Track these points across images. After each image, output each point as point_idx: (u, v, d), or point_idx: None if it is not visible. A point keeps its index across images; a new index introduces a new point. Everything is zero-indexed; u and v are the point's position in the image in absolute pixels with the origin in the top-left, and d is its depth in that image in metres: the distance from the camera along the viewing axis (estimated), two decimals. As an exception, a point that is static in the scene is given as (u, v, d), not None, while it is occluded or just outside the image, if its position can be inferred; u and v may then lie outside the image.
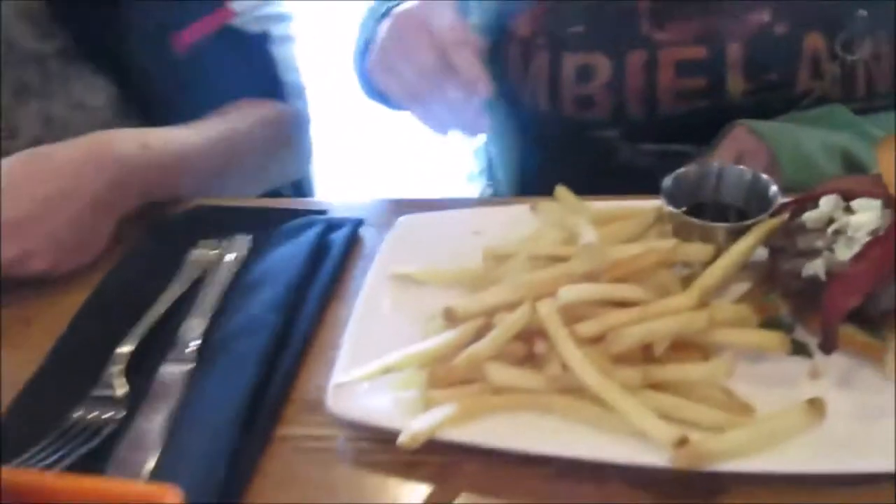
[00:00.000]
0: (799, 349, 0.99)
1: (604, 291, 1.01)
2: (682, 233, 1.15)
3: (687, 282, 1.08)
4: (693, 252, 1.08)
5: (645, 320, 0.96)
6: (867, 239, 0.94)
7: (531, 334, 1.00)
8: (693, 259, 1.09)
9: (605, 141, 1.53)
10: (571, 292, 1.00)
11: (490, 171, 1.87)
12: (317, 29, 3.10)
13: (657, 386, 0.95)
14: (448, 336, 1.02)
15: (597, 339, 0.97)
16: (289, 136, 1.79)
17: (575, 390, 0.95)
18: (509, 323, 0.99)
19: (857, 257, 0.92)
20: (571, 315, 0.99)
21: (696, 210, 1.17)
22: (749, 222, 1.09)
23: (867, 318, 0.94)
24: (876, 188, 0.98)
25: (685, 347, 0.99)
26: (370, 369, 1.01)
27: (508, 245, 1.19)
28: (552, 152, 1.63)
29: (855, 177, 1.06)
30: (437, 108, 1.20)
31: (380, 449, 0.96)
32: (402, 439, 0.91)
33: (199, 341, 1.13)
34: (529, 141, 1.66)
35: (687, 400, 0.94)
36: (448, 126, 1.22)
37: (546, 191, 1.27)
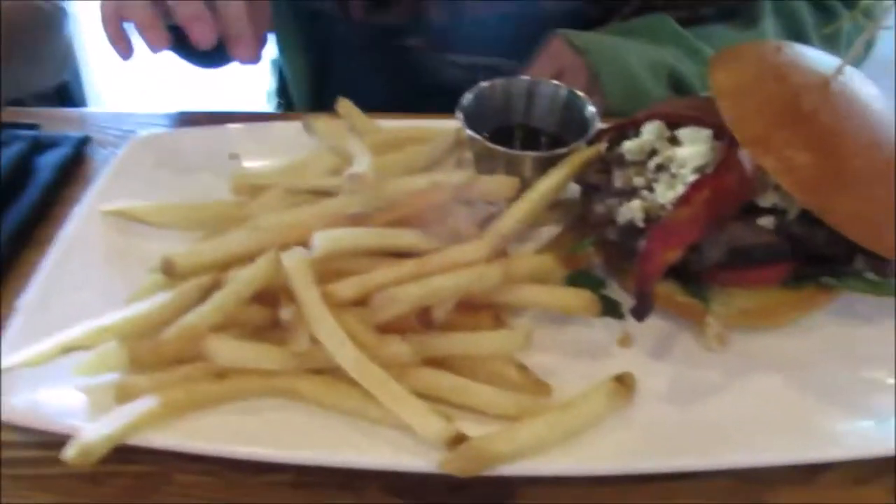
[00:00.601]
0: (610, 309, 0.80)
1: (374, 238, 0.77)
2: (484, 162, 0.93)
3: (489, 225, 0.86)
4: (494, 186, 0.86)
5: (423, 277, 0.74)
6: (693, 177, 0.76)
7: (275, 296, 0.75)
8: (494, 195, 0.87)
9: (409, 51, 1.28)
10: (329, 239, 0.75)
11: (282, 90, 1.57)
12: None
13: (437, 362, 0.74)
14: (160, 300, 0.74)
15: (360, 302, 0.73)
16: (28, 33, 1.41)
17: (328, 371, 0.72)
18: (242, 281, 0.73)
19: (681, 201, 0.73)
20: (330, 270, 0.75)
21: (503, 134, 0.95)
22: (561, 151, 0.88)
23: (689, 274, 0.77)
24: (707, 115, 0.80)
25: (475, 310, 0.78)
26: (44, 348, 0.72)
27: (266, 174, 0.92)
28: (351, 65, 1.37)
29: (684, 100, 0.88)
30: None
31: (55, 460, 0.68)
32: (69, 454, 0.64)
33: None
34: (323, 53, 1.38)
35: (472, 379, 0.73)
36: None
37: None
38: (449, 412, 0.70)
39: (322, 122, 0.96)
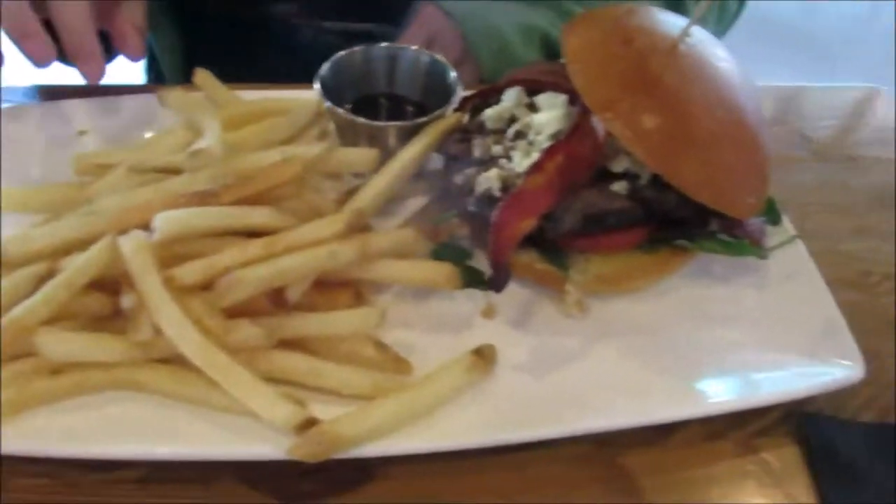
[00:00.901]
0: (474, 280, 0.79)
1: (221, 218, 0.73)
2: (346, 133, 0.90)
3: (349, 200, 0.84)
4: (353, 159, 0.84)
5: (272, 257, 0.71)
6: (548, 144, 0.75)
7: (116, 283, 0.70)
8: (354, 168, 0.85)
9: (282, 17, 1.23)
10: (171, 221, 0.70)
11: (152, 62, 1.49)
12: None
13: (293, 343, 0.72)
14: (-12, 291, 0.69)
15: (207, 287, 0.70)
16: None
17: (174, 360, 0.68)
18: (77, 268, 0.68)
19: (533, 168, 0.72)
20: (175, 254, 0.71)
21: (367, 104, 0.92)
22: (422, 120, 0.86)
23: (547, 242, 0.77)
24: (565, 80, 0.79)
25: (333, 289, 0.76)
26: None
27: (112, 152, 0.87)
28: (220, 36, 1.30)
29: (546, 64, 0.86)
30: None
31: None
32: None
33: None
34: (191, 24, 1.31)
35: (330, 360, 0.71)
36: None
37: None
38: (305, 395, 0.68)
39: (176, 94, 0.91)
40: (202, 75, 0.96)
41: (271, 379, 0.69)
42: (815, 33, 3.52)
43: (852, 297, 0.89)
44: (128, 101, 1.00)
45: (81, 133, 0.94)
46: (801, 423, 0.74)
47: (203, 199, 0.74)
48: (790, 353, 0.76)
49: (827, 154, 1.11)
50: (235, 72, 0.99)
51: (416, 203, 0.88)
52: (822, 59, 3.34)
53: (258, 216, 0.75)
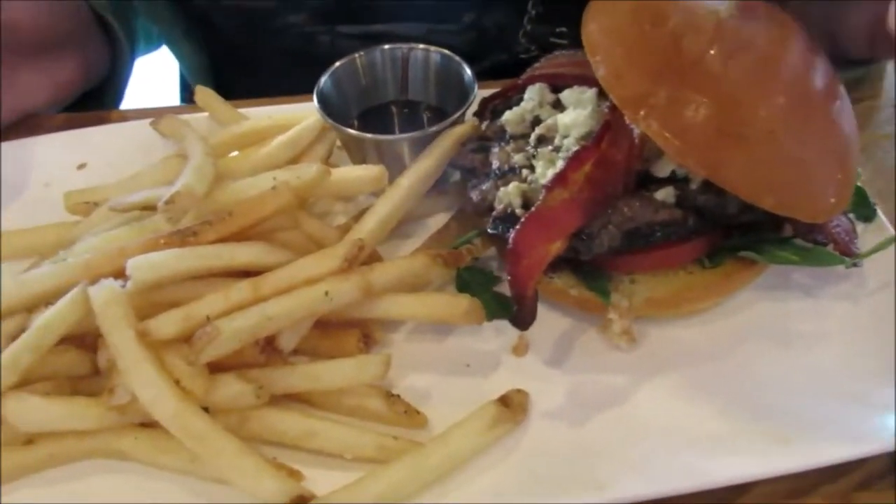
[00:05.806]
0: (504, 311, 0.67)
1: (202, 259, 0.64)
2: (354, 150, 0.80)
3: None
4: (356, 179, 0.73)
5: (260, 301, 0.61)
6: (575, 149, 0.63)
7: (95, 338, 0.63)
8: (360, 189, 0.75)
9: (296, 28, 1.15)
10: (145, 267, 0.62)
11: (183, 82, 1.45)
12: None
13: (294, 397, 0.63)
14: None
15: (188, 338, 0.61)
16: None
17: (158, 424, 0.60)
18: (45, 325, 0.60)
19: (555, 181, 0.60)
20: (158, 302, 0.63)
21: (378, 114, 0.83)
22: (434, 129, 0.75)
23: (585, 263, 0.65)
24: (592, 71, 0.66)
25: (339, 330, 0.66)
26: None
27: (101, 188, 0.79)
28: (242, 52, 1.24)
29: (569, 55, 0.73)
30: None
31: None
32: None
33: None
34: (209, 42, 1.25)
35: (332, 416, 0.62)
36: None
37: (245, 95, 0.94)
38: (306, 459, 0.59)
39: (167, 120, 0.84)
40: (202, 94, 0.89)
41: (267, 442, 0.60)
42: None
43: (972, 304, 0.73)
44: (125, 129, 0.92)
45: (81, 167, 0.88)
46: (914, 470, 0.60)
47: (183, 239, 0.65)
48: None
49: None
50: (262, 86, 0.92)
51: (438, 221, 0.77)
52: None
53: (245, 254, 0.66)
